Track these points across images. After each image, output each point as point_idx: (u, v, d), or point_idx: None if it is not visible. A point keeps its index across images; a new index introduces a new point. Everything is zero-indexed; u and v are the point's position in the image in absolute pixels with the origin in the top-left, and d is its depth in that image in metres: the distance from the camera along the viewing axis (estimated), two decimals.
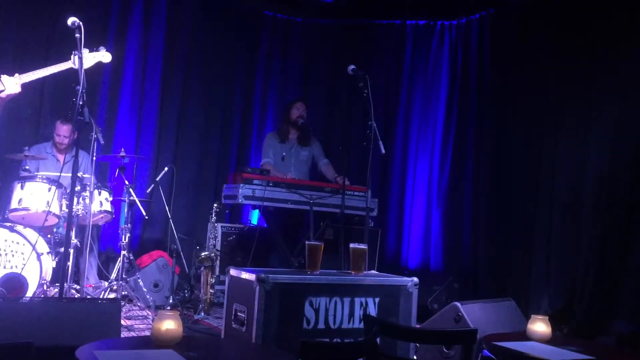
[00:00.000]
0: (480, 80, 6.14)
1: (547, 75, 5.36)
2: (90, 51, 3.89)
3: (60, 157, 5.11)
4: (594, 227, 4.86)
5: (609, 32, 4.87)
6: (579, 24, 5.10)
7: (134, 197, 4.83)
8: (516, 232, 5.53)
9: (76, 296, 4.25)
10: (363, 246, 3.47)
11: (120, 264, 4.66)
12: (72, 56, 3.67)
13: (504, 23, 5.91)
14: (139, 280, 4.88)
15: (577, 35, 5.12)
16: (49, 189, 4.38)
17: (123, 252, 4.67)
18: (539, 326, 2.62)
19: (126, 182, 4.83)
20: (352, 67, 4.37)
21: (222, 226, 5.51)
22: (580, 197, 5.01)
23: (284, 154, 5.51)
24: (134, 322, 4.33)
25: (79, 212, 4.43)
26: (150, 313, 4.55)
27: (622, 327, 4.50)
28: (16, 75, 3.83)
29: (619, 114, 4.81)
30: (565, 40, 5.22)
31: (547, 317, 2.65)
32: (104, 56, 3.99)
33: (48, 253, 4.36)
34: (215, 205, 5.40)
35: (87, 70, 3.63)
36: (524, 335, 2.64)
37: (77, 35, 3.45)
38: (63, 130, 5.04)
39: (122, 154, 4.80)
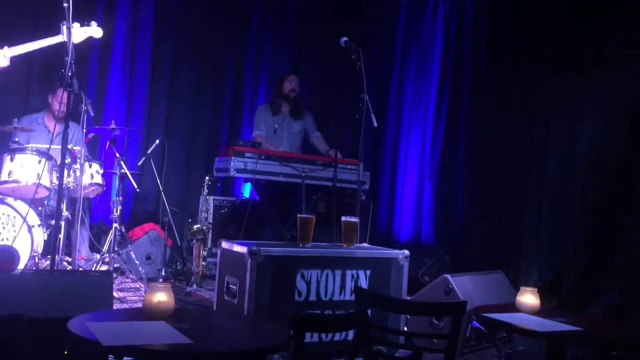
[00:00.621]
0: (474, 52, 6.10)
1: (543, 49, 5.32)
2: (81, 25, 3.83)
3: (52, 127, 5.05)
4: (584, 201, 4.90)
5: (607, 9, 4.83)
6: None
7: (125, 170, 4.80)
8: (507, 205, 5.57)
9: (68, 268, 4.26)
10: (355, 219, 3.49)
11: (112, 236, 4.65)
12: (61, 27, 3.61)
13: None
14: (131, 253, 4.88)
15: (574, 10, 5.07)
16: (39, 161, 4.35)
17: (115, 225, 4.66)
18: (528, 298, 2.65)
19: (117, 155, 4.80)
20: (345, 39, 4.32)
21: (214, 199, 5.51)
22: (572, 171, 5.04)
23: (276, 126, 5.49)
24: (126, 294, 4.35)
25: (70, 185, 4.40)
26: (142, 285, 4.57)
27: (610, 299, 4.56)
28: (5, 48, 3.77)
29: (613, 93, 4.81)
30: (562, 15, 5.17)
31: (536, 289, 2.68)
32: (95, 31, 3.93)
33: (39, 225, 4.35)
34: (207, 178, 5.40)
35: (78, 44, 3.59)
36: (513, 307, 2.68)
37: (65, 4, 3.39)
38: (64, 97, 4.96)
39: (113, 126, 4.76)
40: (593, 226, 4.82)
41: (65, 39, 3.65)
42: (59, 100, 4.95)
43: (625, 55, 4.70)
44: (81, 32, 3.82)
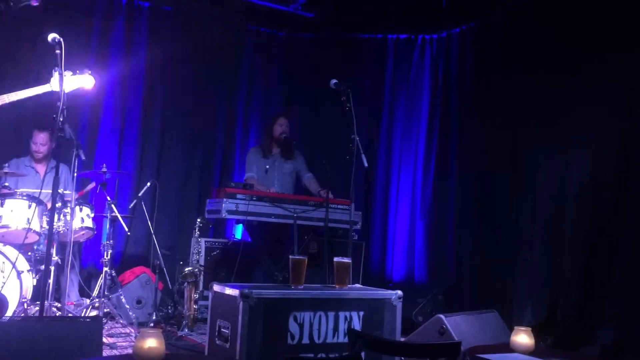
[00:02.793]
0: (462, 92, 6.20)
1: (528, 87, 5.41)
2: (73, 74, 3.87)
3: (40, 169, 5.06)
4: (576, 237, 4.90)
5: (590, 43, 4.93)
6: (559, 36, 5.17)
7: (116, 213, 4.80)
8: (500, 243, 5.56)
9: (57, 314, 4.20)
10: (347, 260, 3.48)
11: (102, 280, 4.61)
12: (52, 72, 3.65)
13: (484, 36, 5.98)
14: (122, 297, 4.83)
15: (557, 47, 5.18)
16: (29, 206, 4.33)
17: (105, 269, 4.63)
18: (522, 338, 2.64)
19: (108, 198, 4.80)
20: (334, 81, 4.39)
21: (205, 241, 5.49)
22: (563, 208, 5.06)
23: (267, 167, 5.52)
24: (117, 339, 4.28)
25: (60, 229, 4.38)
26: (133, 330, 4.50)
27: (606, 337, 4.53)
28: None
29: (600, 124, 4.87)
30: (545, 53, 5.28)
31: (530, 329, 2.67)
32: (86, 81, 3.97)
33: (28, 271, 4.30)
34: (198, 220, 5.38)
35: (69, 92, 3.62)
36: (507, 347, 2.66)
37: (58, 51, 3.44)
38: (40, 138, 5.01)
39: (104, 169, 4.77)
40: (586, 263, 4.81)
41: (53, 88, 3.69)
42: (35, 141, 4.99)
43: (615, 86, 4.77)
44: (72, 81, 3.85)
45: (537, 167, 5.33)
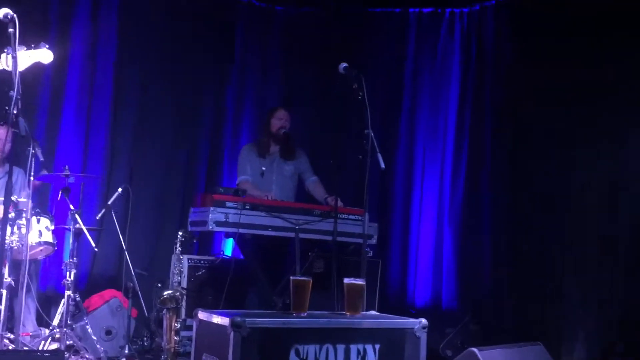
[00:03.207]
0: (498, 77, 6.19)
1: (580, 68, 5.37)
2: (27, 49, 3.87)
3: None
4: (634, 262, 4.88)
5: None
6: (612, 5, 5.15)
7: (81, 225, 4.82)
8: (546, 261, 5.55)
9: (10, 347, 4.21)
10: (360, 281, 3.49)
11: (65, 306, 4.63)
12: (4, 55, 3.66)
13: (527, 9, 5.95)
14: (88, 327, 4.84)
15: (613, 19, 5.15)
16: None
17: (68, 293, 4.65)
18: None
19: (71, 207, 4.82)
20: (344, 65, 4.41)
21: (188, 259, 5.49)
22: (618, 226, 5.03)
23: (264, 169, 5.52)
24: None
25: (13, 244, 4.39)
26: None
27: None
28: None
29: None
30: (601, 25, 5.24)
31: None
32: (43, 55, 3.97)
33: None
34: (180, 233, 5.38)
35: (23, 72, 3.62)
36: None
37: (11, 30, 3.44)
38: (1, 134, 5.01)
39: (66, 172, 4.79)
40: None
41: (3, 66, 3.68)
42: None
43: None
44: (26, 57, 3.84)
45: (591, 168, 5.31)
